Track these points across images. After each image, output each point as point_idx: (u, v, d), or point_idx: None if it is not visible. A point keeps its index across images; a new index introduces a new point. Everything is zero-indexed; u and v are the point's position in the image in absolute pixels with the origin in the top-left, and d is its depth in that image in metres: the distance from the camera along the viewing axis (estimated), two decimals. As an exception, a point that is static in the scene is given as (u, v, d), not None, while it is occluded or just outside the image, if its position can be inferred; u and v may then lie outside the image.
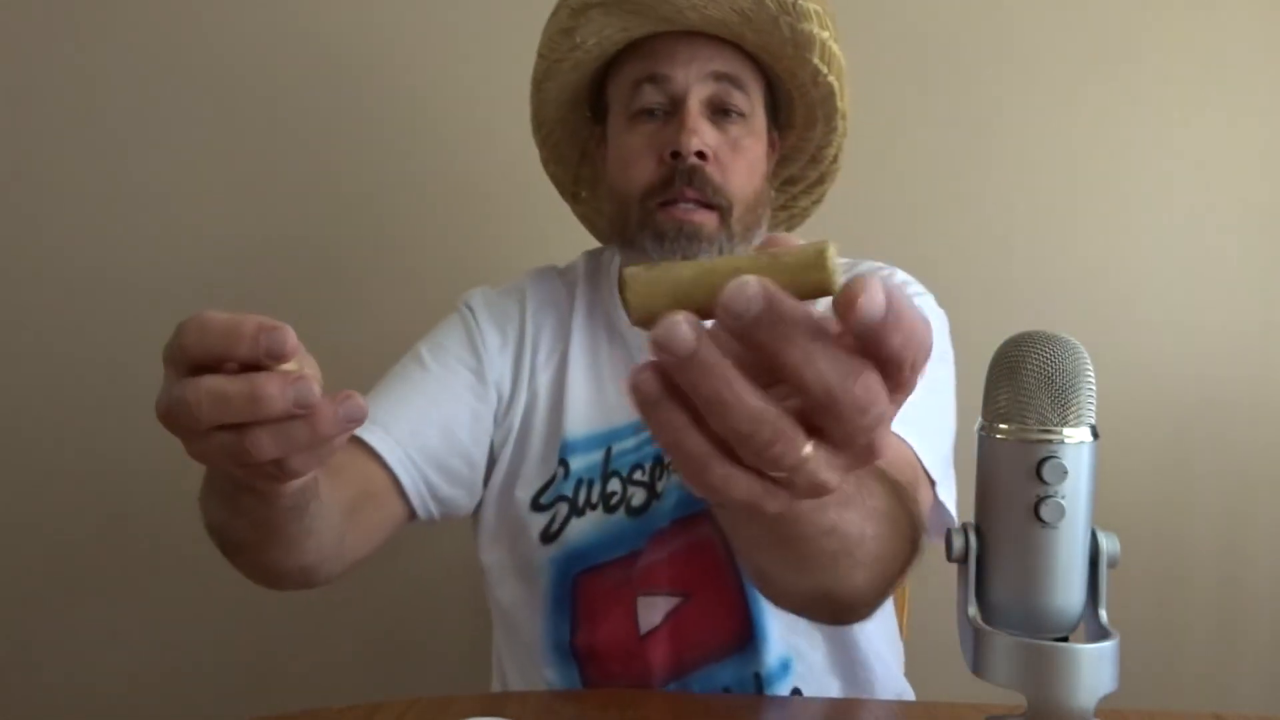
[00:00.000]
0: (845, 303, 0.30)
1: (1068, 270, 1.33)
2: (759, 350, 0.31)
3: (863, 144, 1.32)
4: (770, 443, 0.32)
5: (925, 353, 0.32)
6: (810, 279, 0.32)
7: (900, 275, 0.93)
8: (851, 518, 0.50)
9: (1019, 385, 0.48)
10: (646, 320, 0.33)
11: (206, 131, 1.34)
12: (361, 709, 0.74)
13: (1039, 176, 1.33)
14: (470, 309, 0.96)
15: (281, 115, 1.34)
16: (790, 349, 0.30)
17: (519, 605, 0.91)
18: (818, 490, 0.34)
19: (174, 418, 0.43)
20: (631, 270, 0.34)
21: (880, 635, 0.91)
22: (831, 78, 0.89)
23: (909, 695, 0.92)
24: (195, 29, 1.34)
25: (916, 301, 0.87)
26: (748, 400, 0.31)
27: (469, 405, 0.90)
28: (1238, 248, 1.33)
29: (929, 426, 0.79)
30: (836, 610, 0.61)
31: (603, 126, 0.94)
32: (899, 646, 0.97)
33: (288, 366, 0.43)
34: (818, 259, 0.32)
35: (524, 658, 0.92)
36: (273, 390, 0.42)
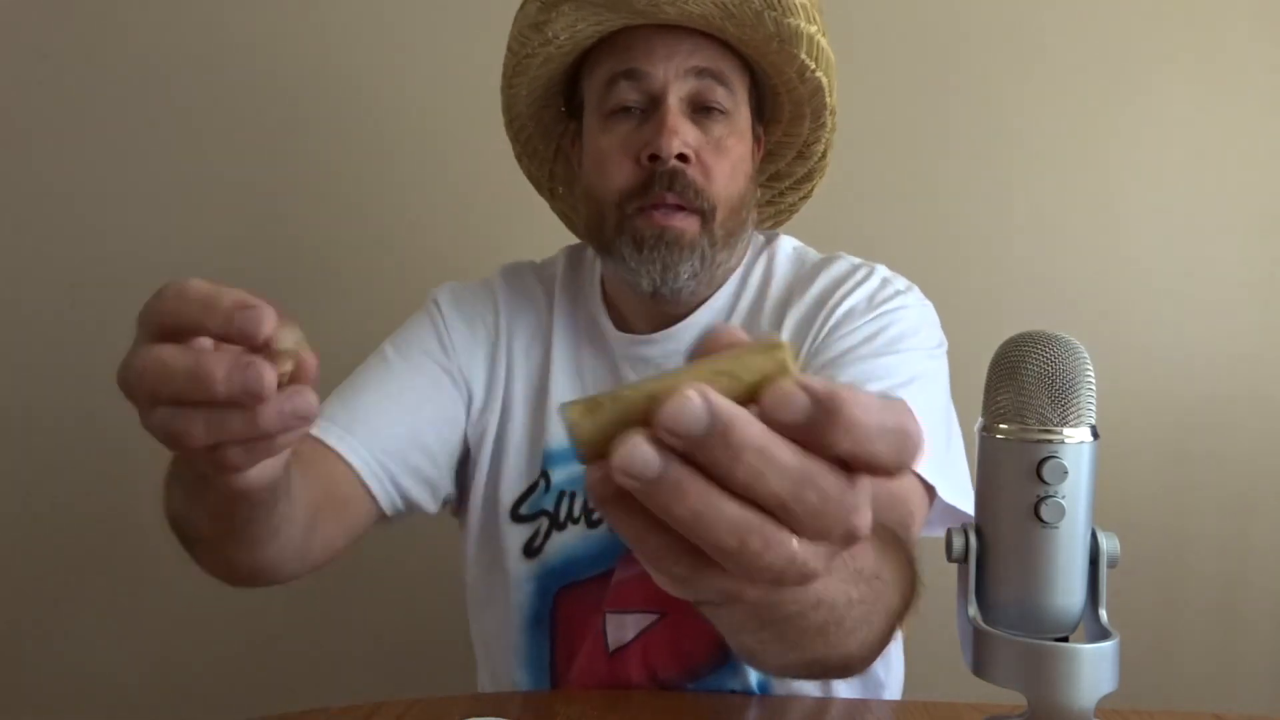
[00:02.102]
0: (766, 411, 0.28)
1: (1068, 270, 1.33)
2: (707, 465, 0.28)
3: (862, 143, 1.32)
4: (758, 552, 0.29)
5: (902, 444, 0.29)
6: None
7: (880, 273, 0.88)
8: (836, 586, 0.46)
9: (1019, 385, 0.48)
10: (597, 455, 0.30)
11: (201, 132, 1.34)
12: (361, 709, 0.74)
13: (1039, 176, 1.33)
14: (437, 305, 0.93)
15: (278, 116, 1.34)
16: (738, 467, 0.28)
17: (497, 619, 0.89)
18: (805, 579, 0.32)
19: (124, 382, 0.42)
20: (572, 411, 0.31)
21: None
22: (820, 73, 0.85)
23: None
24: (193, 30, 1.34)
25: (897, 301, 0.84)
26: (729, 512, 0.29)
27: (435, 402, 0.87)
28: (1238, 248, 1.33)
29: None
30: (831, 672, 0.59)
31: (578, 122, 0.89)
32: (895, 655, 0.95)
33: (285, 346, 0.41)
34: (778, 370, 0.30)
35: (497, 668, 0.90)
36: (216, 371, 0.39)
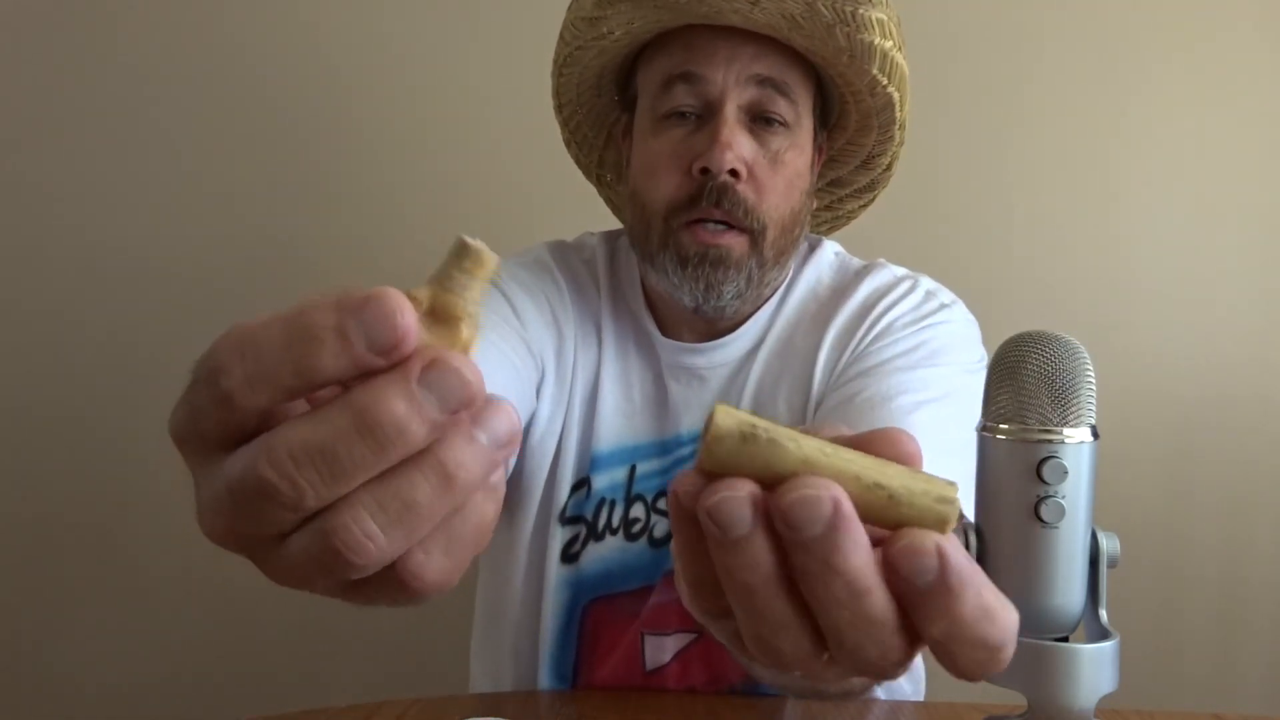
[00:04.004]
0: (892, 555, 0.27)
1: (1068, 270, 1.33)
2: (797, 567, 0.27)
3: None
4: (783, 654, 0.28)
5: (987, 662, 0.28)
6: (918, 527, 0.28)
7: (925, 285, 0.86)
8: None
9: (1019, 385, 0.47)
10: (714, 470, 0.28)
11: (205, 131, 1.34)
12: (361, 709, 0.74)
13: (1039, 176, 1.33)
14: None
15: (280, 115, 1.34)
16: (819, 587, 0.27)
17: (522, 627, 0.86)
18: (810, 682, 0.31)
19: (245, 513, 0.25)
20: (725, 424, 0.27)
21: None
22: (892, 89, 0.80)
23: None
24: (194, 30, 1.34)
25: (941, 315, 0.82)
26: (776, 607, 0.28)
27: (513, 369, 0.77)
28: (1238, 247, 1.33)
29: (948, 447, 0.70)
30: (830, 698, 0.58)
31: (631, 114, 0.86)
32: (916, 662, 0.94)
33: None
34: (937, 525, 0.28)
35: (515, 678, 0.88)
36: (400, 409, 0.24)
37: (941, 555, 0.26)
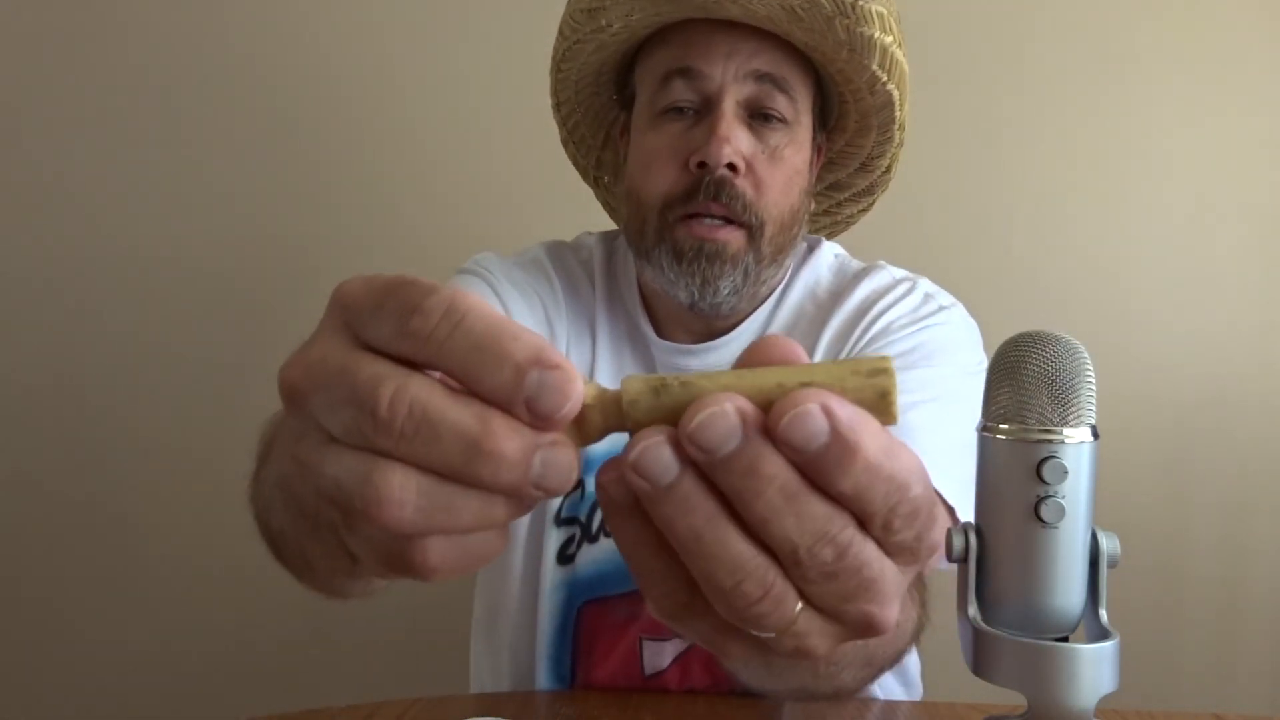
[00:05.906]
0: (771, 420, 0.25)
1: (1068, 270, 1.33)
2: (726, 492, 0.26)
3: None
4: (753, 600, 0.26)
5: (908, 503, 0.26)
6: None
7: (924, 287, 0.85)
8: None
9: (1019, 385, 0.47)
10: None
11: (201, 131, 1.34)
12: (361, 709, 0.74)
13: (1039, 176, 1.33)
14: (485, 268, 0.86)
15: (277, 116, 1.34)
16: (757, 500, 0.25)
17: (519, 628, 0.86)
18: (799, 654, 0.28)
19: (333, 386, 0.26)
20: (632, 386, 0.27)
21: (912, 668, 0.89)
22: (891, 86, 0.80)
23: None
24: (187, 30, 1.34)
25: (940, 317, 0.81)
26: (734, 546, 0.26)
27: None
28: (1238, 247, 1.33)
29: (944, 447, 0.69)
30: (819, 699, 0.56)
31: (628, 113, 0.85)
32: (911, 661, 0.94)
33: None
34: (880, 402, 0.26)
35: (513, 677, 0.88)
36: (507, 448, 0.26)
37: (827, 411, 0.25)
